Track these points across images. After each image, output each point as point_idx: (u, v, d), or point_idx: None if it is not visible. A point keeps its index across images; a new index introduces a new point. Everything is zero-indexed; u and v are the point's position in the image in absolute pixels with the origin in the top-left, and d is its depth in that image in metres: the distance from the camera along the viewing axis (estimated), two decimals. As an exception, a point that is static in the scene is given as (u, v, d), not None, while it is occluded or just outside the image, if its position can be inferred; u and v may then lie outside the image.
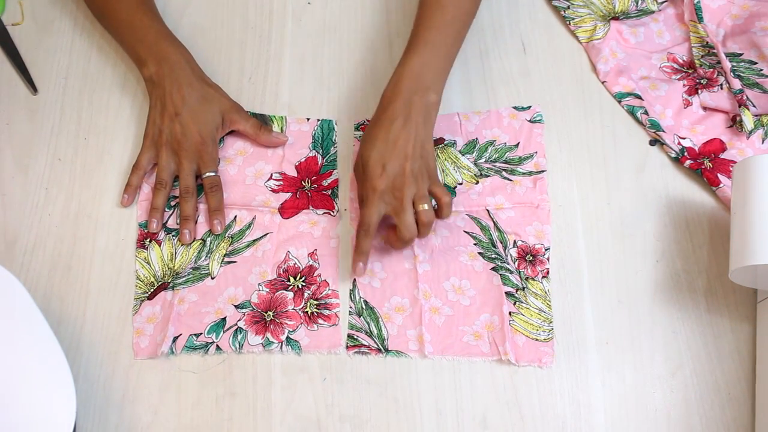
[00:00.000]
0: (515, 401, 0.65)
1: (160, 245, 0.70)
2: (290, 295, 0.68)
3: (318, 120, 0.77)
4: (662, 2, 0.85)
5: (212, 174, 0.71)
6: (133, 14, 0.73)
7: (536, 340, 0.67)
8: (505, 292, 0.68)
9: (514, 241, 0.71)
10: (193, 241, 0.70)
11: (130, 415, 0.64)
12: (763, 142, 0.76)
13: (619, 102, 0.79)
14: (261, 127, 0.74)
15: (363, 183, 0.67)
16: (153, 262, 0.69)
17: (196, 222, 0.71)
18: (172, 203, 0.72)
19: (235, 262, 0.70)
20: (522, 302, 0.68)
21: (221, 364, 0.66)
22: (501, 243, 0.71)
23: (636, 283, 0.70)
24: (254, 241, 0.70)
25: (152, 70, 0.72)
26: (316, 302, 0.68)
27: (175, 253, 0.70)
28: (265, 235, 0.71)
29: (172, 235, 0.70)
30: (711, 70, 0.79)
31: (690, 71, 0.80)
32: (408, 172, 0.65)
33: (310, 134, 0.76)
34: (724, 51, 0.80)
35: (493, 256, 0.70)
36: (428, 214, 0.65)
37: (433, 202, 0.67)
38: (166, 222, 0.71)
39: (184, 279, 0.68)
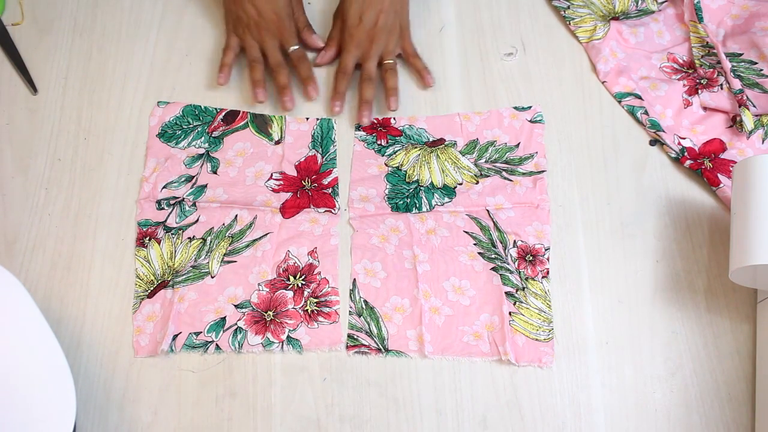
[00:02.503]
0: (515, 401, 0.65)
1: (159, 244, 0.70)
2: (290, 294, 0.68)
3: (317, 119, 0.77)
4: (662, 2, 0.85)
5: (296, 47, 0.77)
6: None
7: (536, 340, 0.67)
8: (505, 292, 0.68)
9: (514, 241, 0.71)
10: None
11: (130, 415, 0.64)
12: (763, 142, 0.76)
13: (619, 102, 0.79)
14: (308, 25, 0.80)
15: (342, 32, 0.78)
16: (153, 261, 0.69)
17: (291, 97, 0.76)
18: (172, 202, 0.72)
19: (235, 261, 0.70)
20: (522, 302, 0.68)
21: (221, 364, 0.66)
22: (501, 243, 0.71)
23: (636, 283, 0.70)
24: (254, 241, 0.71)
25: None
26: (316, 300, 0.68)
27: (175, 251, 0.70)
28: (265, 235, 0.71)
29: (172, 233, 0.70)
30: (711, 70, 0.79)
31: (690, 71, 0.80)
32: (381, 25, 0.76)
33: (309, 133, 0.76)
34: (724, 51, 0.80)
35: (493, 256, 0.70)
36: (392, 65, 0.78)
37: None
38: (165, 221, 0.71)
39: (183, 277, 0.69)
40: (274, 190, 0.73)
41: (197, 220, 0.71)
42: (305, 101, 0.78)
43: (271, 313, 0.68)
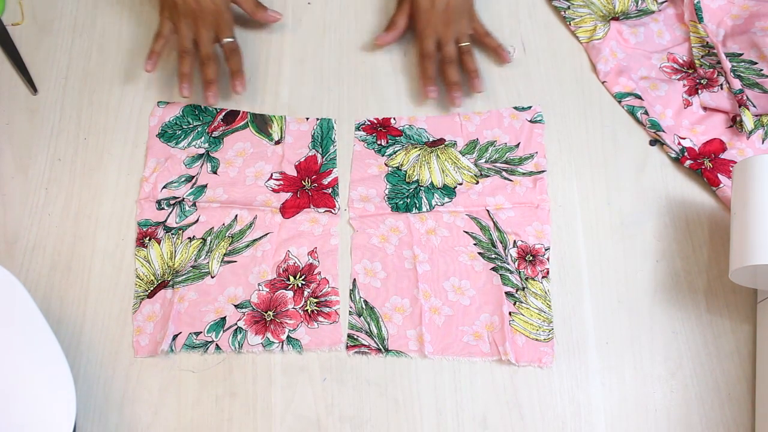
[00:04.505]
0: (515, 401, 0.65)
1: (159, 244, 0.70)
2: (290, 294, 0.68)
3: (317, 119, 0.77)
4: (662, 2, 0.85)
5: (230, 40, 0.76)
6: None
7: (536, 340, 0.67)
8: (505, 292, 0.68)
9: (514, 241, 0.71)
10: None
11: (130, 415, 0.64)
12: (763, 142, 0.76)
13: (619, 102, 0.79)
14: (258, 4, 0.79)
15: (414, 17, 0.78)
16: (153, 261, 0.69)
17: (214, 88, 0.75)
18: (172, 202, 0.72)
19: (235, 261, 0.70)
20: (522, 302, 0.68)
21: (221, 364, 0.66)
22: (501, 243, 0.71)
23: (636, 283, 0.70)
24: (254, 241, 0.71)
25: None
26: (316, 300, 0.68)
27: (175, 251, 0.70)
28: (265, 235, 0.71)
29: (172, 233, 0.70)
30: (711, 70, 0.79)
31: (690, 71, 0.80)
32: (453, 7, 0.77)
33: (309, 133, 0.76)
34: (724, 51, 0.80)
35: (493, 256, 0.70)
36: (468, 47, 0.78)
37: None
38: (165, 221, 0.71)
39: (183, 277, 0.69)
40: (274, 190, 0.73)
41: (197, 220, 0.71)
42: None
43: (271, 313, 0.68)
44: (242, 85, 0.75)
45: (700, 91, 0.78)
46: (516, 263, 0.70)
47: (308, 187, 0.74)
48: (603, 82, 0.80)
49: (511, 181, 0.74)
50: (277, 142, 0.76)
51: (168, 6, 0.75)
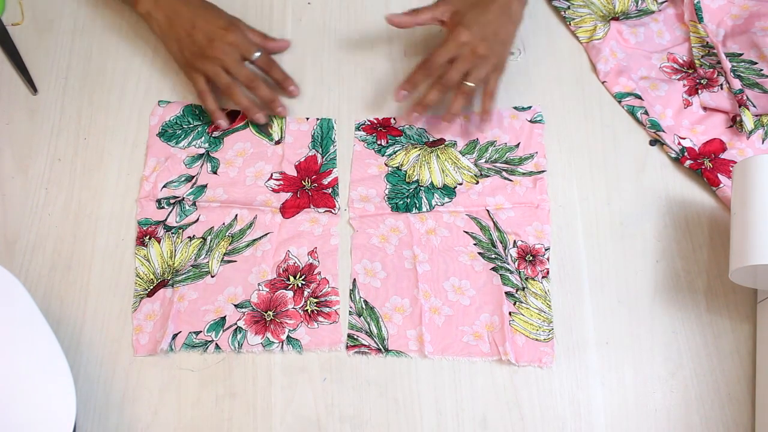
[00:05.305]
0: (515, 401, 0.65)
1: (159, 243, 0.70)
2: (290, 294, 0.68)
3: (317, 119, 0.77)
4: (662, 2, 0.85)
5: (259, 54, 0.73)
6: None
7: (536, 340, 0.67)
8: (505, 292, 0.68)
9: (514, 241, 0.71)
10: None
11: (130, 415, 0.64)
12: (763, 142, 0.76)
13: (619, 102, 0.79)
14: (263, 36, 0.78)
15: (454, 23, 0.70)
16: (152, 260, 0.69)
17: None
18: (172, 201, 0.72)
19: (235, 261, 0.70)
20: (522, 302, 0.68)
21: (221, 364, 0.66)
22: (501, 243, 0.71)
23: (636, 283, 0.70)
24: (254, 240, 0.71)
25: (148, 6, 0.73)
26: (316, 300, 0.68)
27: (175, 250, 0.70)
28: (265, 234, 0.71)
29: (172, 233, 0.70)
30: (711, 70, 0.79)
31: (690, 71, 0.80)
32: (497, 37, 0.70)
33: (309, 133, 0.76)
34: (724, 51, 0.80)
35: (493, 256, 0.70)
36: (468, 88, 0.71)
37: None
38: (165, 220, 0.71)
39: (183, 276, 0.69)
40: (274, 190, 0.73)
41: (197, 220, 0.71)
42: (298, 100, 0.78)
43: (271, 313, 0.68)
44: (296, 88, 0.76)
45: (700, 91, 0.78)
46: (516, 263, 0.70)
47: (308, 187, 0.74)
48: (603, 82, 0.80)
49: (511, 181, 0.74)
50: (277, 142, 0.76)
51: (182, 62, 0.73)
